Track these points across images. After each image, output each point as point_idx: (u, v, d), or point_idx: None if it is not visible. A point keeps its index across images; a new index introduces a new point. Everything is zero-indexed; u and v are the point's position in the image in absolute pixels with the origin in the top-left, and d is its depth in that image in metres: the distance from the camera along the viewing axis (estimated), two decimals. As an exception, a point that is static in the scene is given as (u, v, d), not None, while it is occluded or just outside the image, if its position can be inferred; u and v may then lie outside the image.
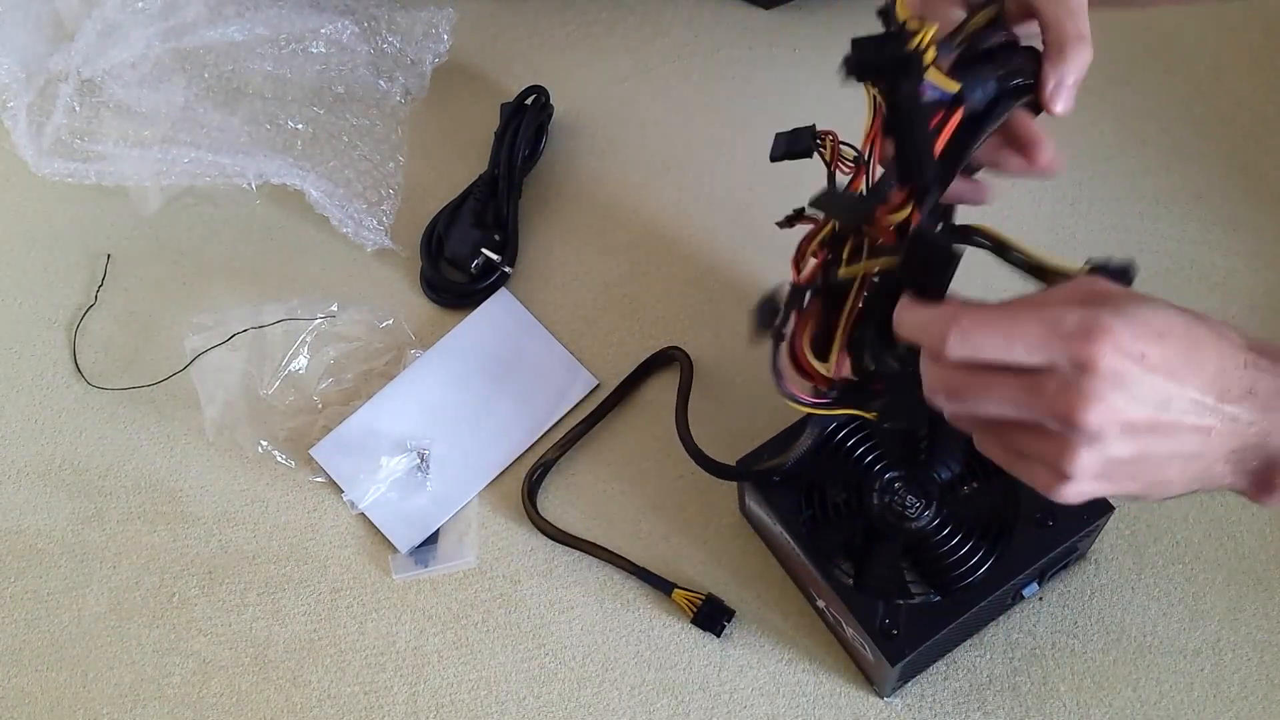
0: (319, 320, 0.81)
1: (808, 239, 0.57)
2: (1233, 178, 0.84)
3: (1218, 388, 0.46)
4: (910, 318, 0.50)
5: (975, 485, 0.68)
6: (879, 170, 0.54)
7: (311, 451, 0.79)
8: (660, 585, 0.74)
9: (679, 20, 0.94)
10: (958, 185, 0.56)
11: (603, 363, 0.82)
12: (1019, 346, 0.45)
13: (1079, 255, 0.83)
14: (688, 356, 0.80)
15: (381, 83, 0.91)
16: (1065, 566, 0.71)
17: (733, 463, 0.71)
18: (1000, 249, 0.54)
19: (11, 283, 0.89)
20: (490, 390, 0.81)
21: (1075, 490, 0.47)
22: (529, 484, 0.78)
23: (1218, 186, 0.84)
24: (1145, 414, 0.45)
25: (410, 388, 0.81)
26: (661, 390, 0.81)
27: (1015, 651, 0.71)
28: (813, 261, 0.57)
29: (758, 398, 0.79)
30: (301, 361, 0.80)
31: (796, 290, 0.58)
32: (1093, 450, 0.45)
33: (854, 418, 0.70)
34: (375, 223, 0.85)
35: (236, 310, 0.82)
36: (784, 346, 0.58)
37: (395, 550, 0.77)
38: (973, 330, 0.46)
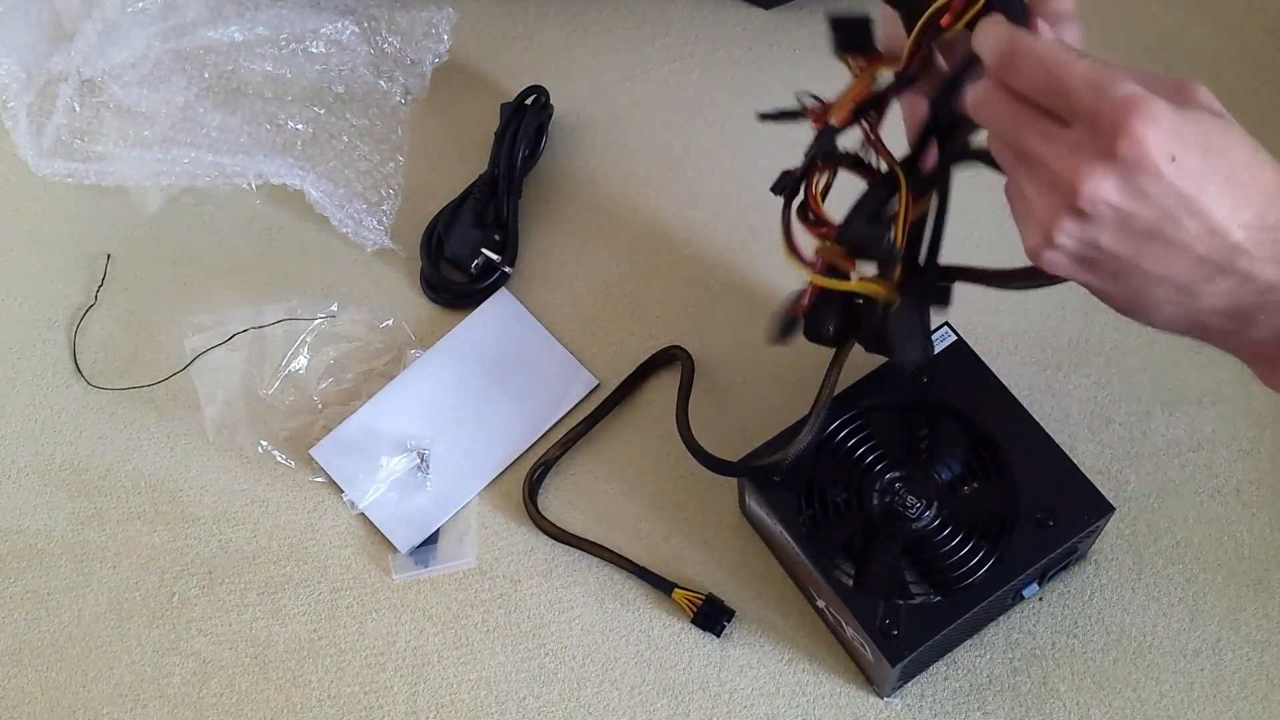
0: (319, 320, 0.81)
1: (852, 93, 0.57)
2: (1233, 178, 0.84)
3: (1246, 231, 0.42)
4: (987, 28, 0.47)
5: (975, 485, 0.68)
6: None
7: (311, 451, 0.79)
8: (660, 585, 0.74)
9: (679, 20, 0.94)
10: None
11: (603, 363, 0.82)
12: (1060, 92, 0.43)
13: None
14: (689, 355, 0.80)
15: (381, 83, 0.91)
16: (1065, 567, 0.71)
17: (733, 461, 0.71)
18: None
19: (11, 283, 0.89)
20: (490, 390, 0.81)
21: (1052, 259, 0.45)
22: (530, 483, 0.78)
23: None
24: (1147, 217, 0.42)
25: (410, 388, 0.81)
26: (662, 390, 0.81)
27: (1015, 651, 0.71)
28: (849, 108, 0.57)
29: (758, 398, 0.79)
30: (301, 361, 0.80)
31: (827, 132, 0.57)
32: (1079, 225, 0.43)
33: (854, 419, 0.70)
34: (375, 223, 0.85)
35: (236, 310, 0.82)
36: (795, 202, 0.59)
37: (395, 550, 0.77)
38: (1029, 54, 0.44)
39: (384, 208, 0.87)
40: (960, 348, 0.71)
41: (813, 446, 0.67)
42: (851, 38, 0.57)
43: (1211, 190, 0.41)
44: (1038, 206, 0.44)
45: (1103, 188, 0.41)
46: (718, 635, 0.73)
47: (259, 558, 0.78)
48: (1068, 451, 0.68)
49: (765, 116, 0.59)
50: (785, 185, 0.60)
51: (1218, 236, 0.42)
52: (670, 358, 0.81)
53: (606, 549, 0.75)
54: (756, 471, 0.69)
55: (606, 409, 0.80)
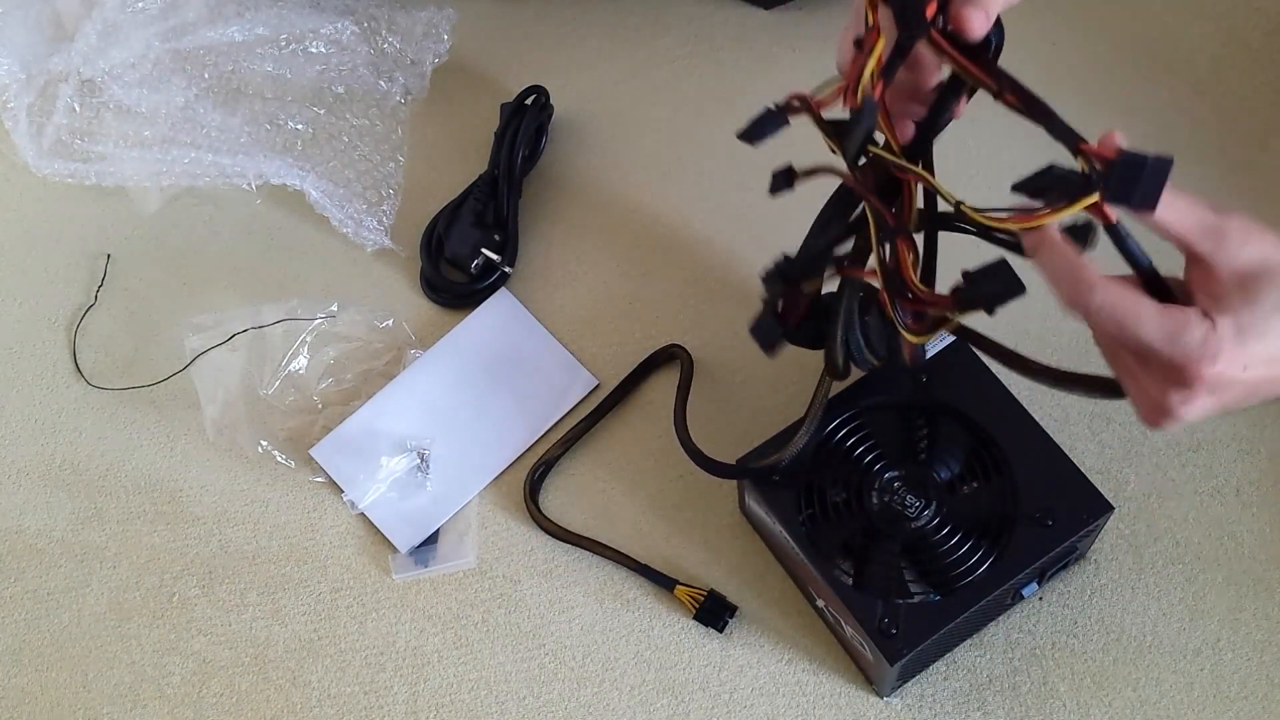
0: (319, 320, 0.81)
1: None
2: (1233, 178, 0.84)
3: None
4: (1055, 259, 0.50)
5: (974, 485, 0.68)
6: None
7: (311, 451, 0.79)
8: (662, 582, 0.74)
9: (679, 20, 0.94)
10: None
11: (603, 363, 0.82)
12: (1138, 345, 0.49)
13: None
14: (688, 355, 0.80)
15: (381, 83, 0.91)
16: (1065, 566, 0.71)
17: (733, 461, 0.71)
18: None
19: (11, 283, 0.89)
20: (490, 390, 0.81)
21: (1176, 425, 0.51)
22: (531, 481, 0.78)
23: (1218, 186, 0.84)
24: (1242, 392, 0.49)
25: (410, 388, 0.81)
26: (662, 390, 0.81)
27: (1015, 651, 0.71)
28: (875, 67, 0.52)
29: (758, 397, 0.79)
30: (301, 361, 0.80)
31: (869, 108, 0.52)
32: (1181, 421, 0.50)
33: (853, 418, 0.70)
34: (375, 223, 0.86)
35: (236, 310, 0.82)
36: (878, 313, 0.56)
37: (395, 550, 0.77)
38: (1101, 310, 0.49)
39: (384, 208, 0.87)
40: (960, 347, 0.71)
41: (810, 447, 0.67)
42: None
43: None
44: (1145, 397, 0.52)
45: (1192, 409, 0.49)
46: (720, 631, 0.73)
47: (259, 558, 0.78)
48: (1067, 451, 0.68)
49: (747, 137, 0.57)
50: (781, 185, 0.59)
51: None
52: (670, 357, 0.81)
53: (608, 547, 0.75)
54: (753, 474, 0.69)
55: (606, 408, 0.80)
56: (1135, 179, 0.48)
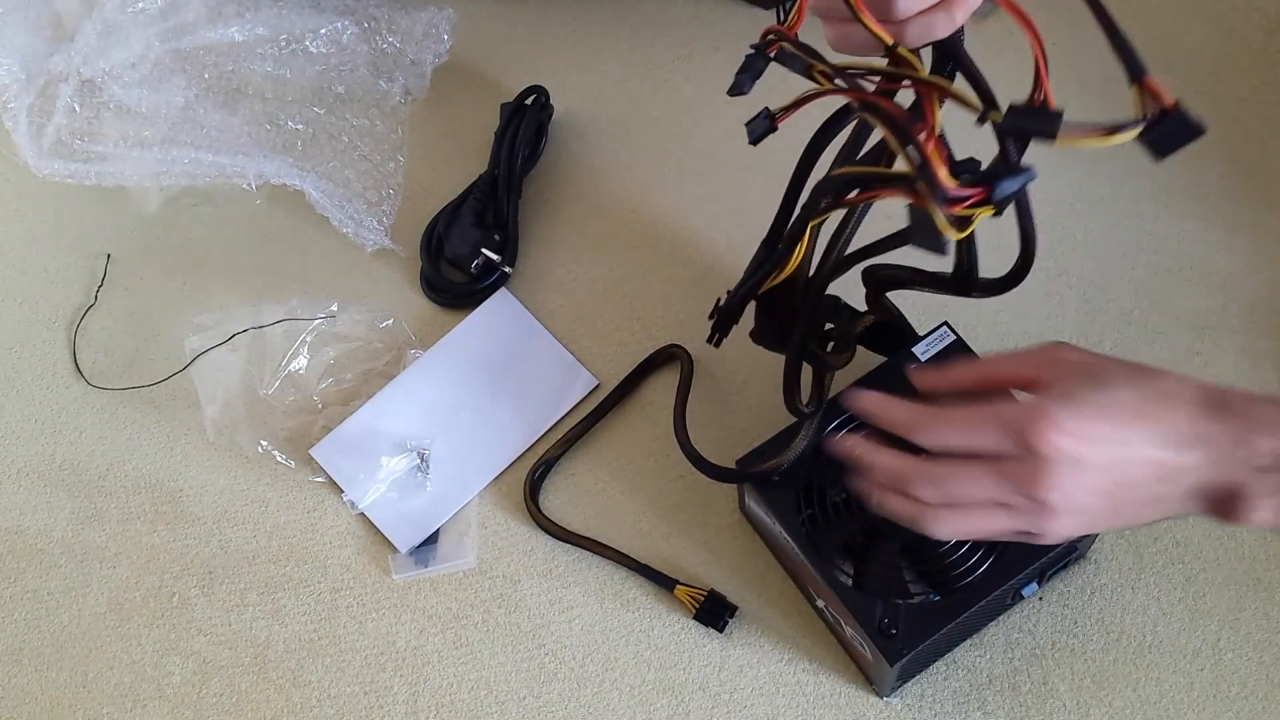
0: (319, 320, 0.81)
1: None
2: (1233, 178, 0.84)
3: (1167, 443, 0.51)
4: (878, 409, 0.55)
5: (975, 485, 0.68)
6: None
7: (311, 451, 0.79)
8: (662, 582, 0.74)
9: (679, 20, 0.94)
10: None
11: (603, 363, 0.82)
12: (974, 440, 0.52)
13: (1079, 256, 0.83)
14: (688, 355, 0.80)
15: (381, 83, 0.91)
16: (1065, 566, 0.71)
17: (732, 461, 0.71)
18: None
19: (11, 283, 0.89)
20: (490, 390, 0.81)
21: (1058, 537, 0.53)
22: (531, 481, 0.78)
23: (1218, 186, 0.84)
24: (1102, 480, 0.50)
25: (410, 388, 0.81)
26: (662, 390, 0.81)
27: (1015, 651, 0.71)
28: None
29: (758, 397, 0.79)
30: (301, 361, 0.80)
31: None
32: (1064, 517, 0.51)
33: (853, 418, 0.70)
34: (375, 223, 0.86)
35: (236, 310, 0.82)
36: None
37: (395, 550, 0.77)
38: (933, 428, 0.53)
39: (384, 208, 0.87)
40: (959, 347, 0.71)
41: (810, 449, 0.67)
42: None
43: (1127, 432, 0.51)
44: (1021, 521, 0.53)
45: (1059, 485, 0.50)
46: (720, 630, 0.73)
47: (259, 558, 0.78)
48: (1067, 451, 0.68)
49: (752, 136, 0.58)
50: (762, 131, 0.58)
51: (1153, 456, 0.51)
52: (670, 357, 0.81)
53: (608, 547, 0.75)
54: (752, 478, 0.69)
55: (606, 408, 0.80)
56: (1175, 134, 0.51)
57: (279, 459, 0.79)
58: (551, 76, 0.91)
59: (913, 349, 0.71)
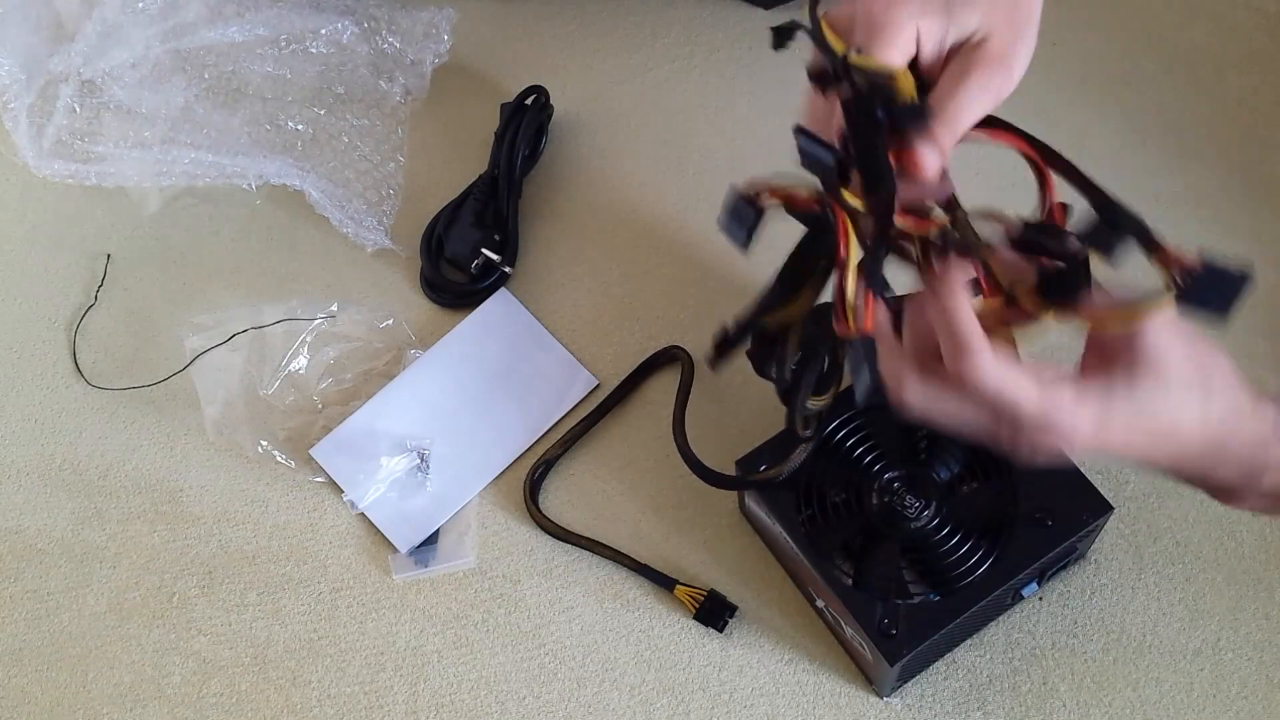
0: (319, 320, 0.81)
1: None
2: (1234, 178, 0.84)
3: (1183, 460, 0.51)
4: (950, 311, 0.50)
5: (974, 485, 0.68)
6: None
7: (311, 451, 0.79)
8: (662, 581, 0.74)
9: (679, 20, 0.94)
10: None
11: (603, 363, 0.82)
12: (968, 423, 0.49)
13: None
14: (689, 356, 0.80)
15: (381, 83, 0.91)
16: (1065, 566, 0.71)
17: (733, 462, 0.71)
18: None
19: (11, 283, 0.89)
20: (490, 390, 0.81)
21: (1078, 454, 0.50)
22: (531, 481, 0.78)
23: (1219, 187, 0.84)
24: (1123, 449, 0.50)
25: (410, 388, 0.81)
26: (662, 390, 0.81)
27: (1015, 651, 0.71)
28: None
29: (758, 397, 0.79)
30: (301, 361, 0.80)
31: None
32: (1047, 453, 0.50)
33: (853, 419, 0.70)
34: (375, 223, 0.86)
35: (236, 310, 0.82)
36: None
37: (395, 550, 0.77)
38: (922, 402, 0.50)
39: (384, 208, 0.87)
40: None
41: (808, 458, 0.67)
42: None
43: (1142, 446, 0.50)
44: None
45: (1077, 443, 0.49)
46: (720, 631, 0.73)
47: (259, 558, 0.78)
48: (1067, 451, 0.68)
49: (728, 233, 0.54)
50: (749, 226, 0.54)
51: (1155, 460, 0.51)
52: (670, 357, 0.81)
53: (608, 547, 0.75)
54: (752, 485, 0.69)
55: (606, 409, 0.80)
56: (1216, 288, 0.47)
57: (279, 459, 0.79)
58: (551, 76, 0.91)
59: None
